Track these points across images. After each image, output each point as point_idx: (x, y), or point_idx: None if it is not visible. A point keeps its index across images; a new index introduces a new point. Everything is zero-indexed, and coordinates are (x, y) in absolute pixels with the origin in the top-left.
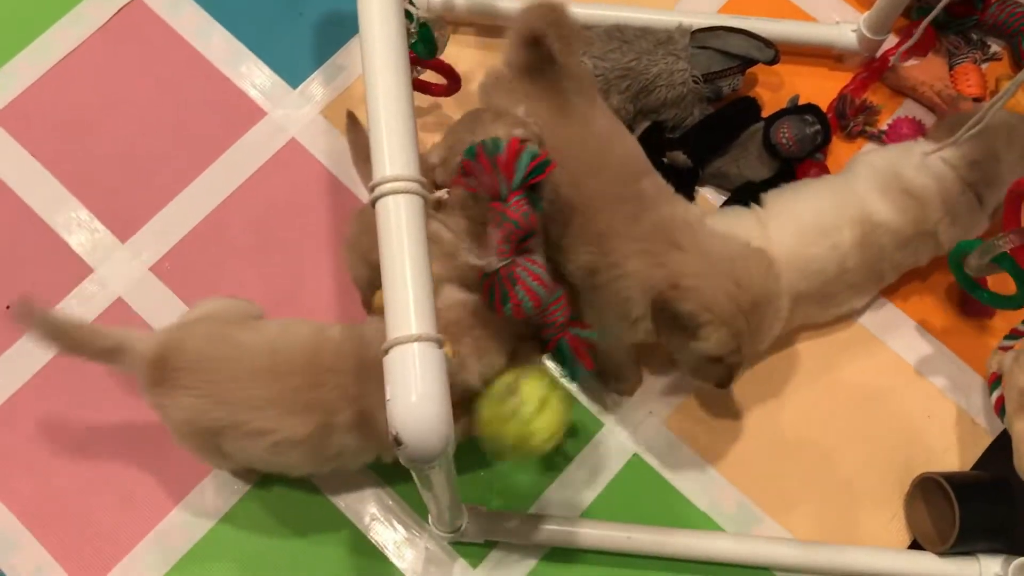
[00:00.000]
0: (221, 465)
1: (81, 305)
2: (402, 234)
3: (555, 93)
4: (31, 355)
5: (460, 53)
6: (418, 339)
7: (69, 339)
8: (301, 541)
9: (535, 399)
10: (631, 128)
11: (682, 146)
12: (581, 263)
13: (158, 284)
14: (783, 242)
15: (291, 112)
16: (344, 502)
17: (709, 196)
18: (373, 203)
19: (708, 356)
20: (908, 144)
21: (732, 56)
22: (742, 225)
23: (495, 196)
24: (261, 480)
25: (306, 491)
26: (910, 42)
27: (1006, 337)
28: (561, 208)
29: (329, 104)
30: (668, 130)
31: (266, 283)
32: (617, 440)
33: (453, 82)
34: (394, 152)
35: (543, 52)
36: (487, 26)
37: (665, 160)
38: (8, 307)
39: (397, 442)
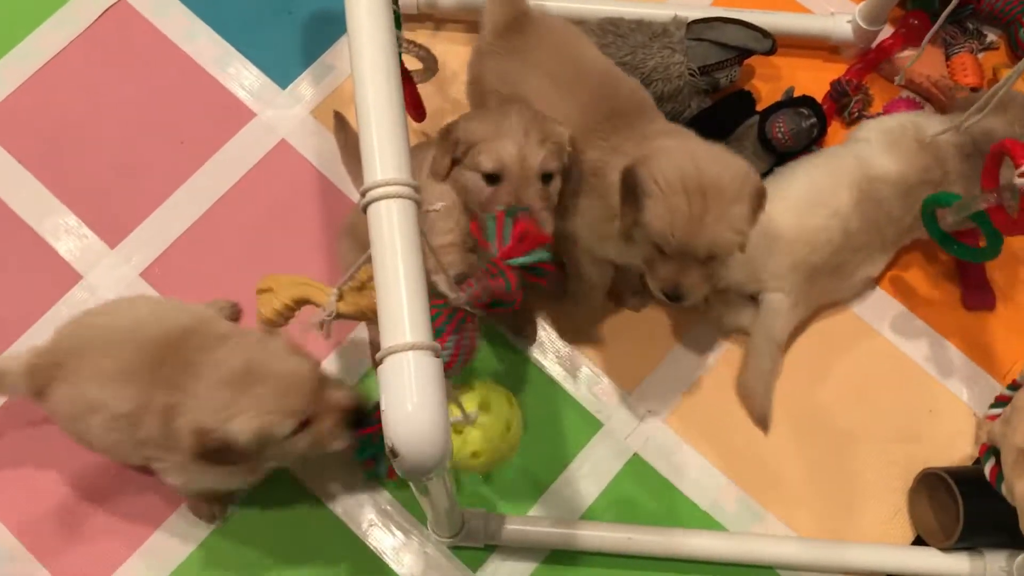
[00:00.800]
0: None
1: (71, 312)
2: (395, 240)
3: (542, 41)
4: None
5: (448, 50)
6: (413, 347)
7: None
8: (299, 549)
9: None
10: None
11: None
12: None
13: (149, 290)
14: (785, 221)
15: (281, 113)
16: (341, 508)
17: None
18: (364, 208)
19: (650, 237)
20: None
21: (729, 47)
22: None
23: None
24: (257, 490)
25: (303, 498)
26: (918, 53)
27: (992, 405)
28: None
29: (319, 104)
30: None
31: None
32: (616, 440)
33: (415, 110)
34: (385, 156)
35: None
36: (475, 23)
37: None
38: None
39: (393, 453)
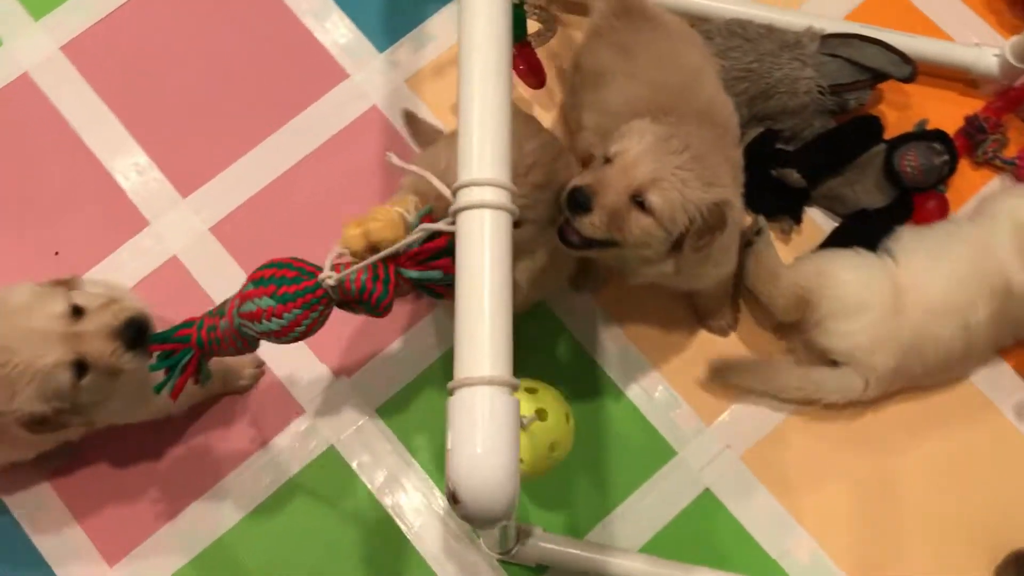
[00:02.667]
0: None
1: (133, 259)
2: (485, 257)
3: (648, 40)
4: None
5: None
6: (491, 383)
7: None
8: (343, 540)
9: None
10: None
11: (795, 161)
12: None
13: (217, 247)
14: (914, 317)
15: (374, 77)
16: (390, 500)
17: (817, 219)
18: (454, 214)
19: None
20: None
21: (863, 68)
22: (872, 280)
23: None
24: (308, 475)
25: (354, 487)
26: None
27: None
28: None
29: (415, 74)
30: (782, 140)
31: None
32: (689, 471)
33: (534, 77)
34: (485, 155)
35: None
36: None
37: (774, 174)
38: (56, 253)
39: (453, 499)
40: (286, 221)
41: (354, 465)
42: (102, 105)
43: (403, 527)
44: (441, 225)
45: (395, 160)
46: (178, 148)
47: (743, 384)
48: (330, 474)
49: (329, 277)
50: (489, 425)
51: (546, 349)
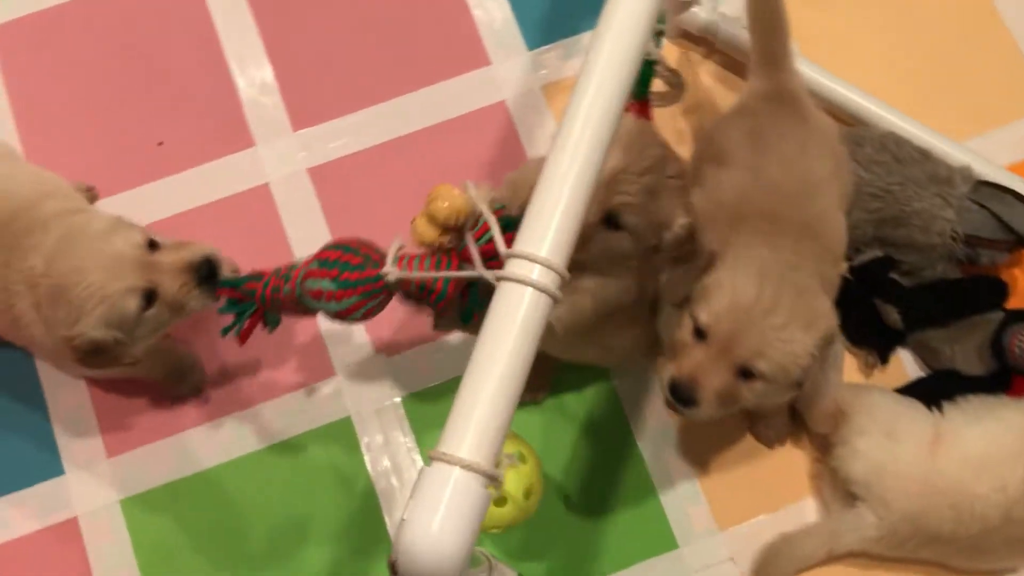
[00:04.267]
0: None
1: (227, 173)
2: (510, 337)
3: (792, 130)
4: None
5: (708, 84)
6: (468, 467)
7: None
8: (322, 504)
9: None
10: (858, 249)
11: (904, 298)
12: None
13: (309, 189)
14: (946, 465)
15: (514, 73)
16: (384, 488)
17: (905, 361)
18: (498, 278)
19: (695, 310)
20: None
21: (1009, 229)
22: (913, 418)
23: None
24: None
25: (354, 464)
26: None
27: None
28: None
29: (554, 82)
30: (898, 271)
31: (404, 239)
32: (683, 570)
33: None
34: (549, 231)
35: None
36: (734, 62)
37: (876, 303)
38: (160, 143)
39: (393, 570)
40: (380, 187)
41: (363, 443)
42: (248, 13)
43: (387, 520)
44: (488, 275)
45: (472, 189)
46: (305, 80)
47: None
48: (338, 443)
49: (390, 272)
50: (454, 509)
51: (584, 392)
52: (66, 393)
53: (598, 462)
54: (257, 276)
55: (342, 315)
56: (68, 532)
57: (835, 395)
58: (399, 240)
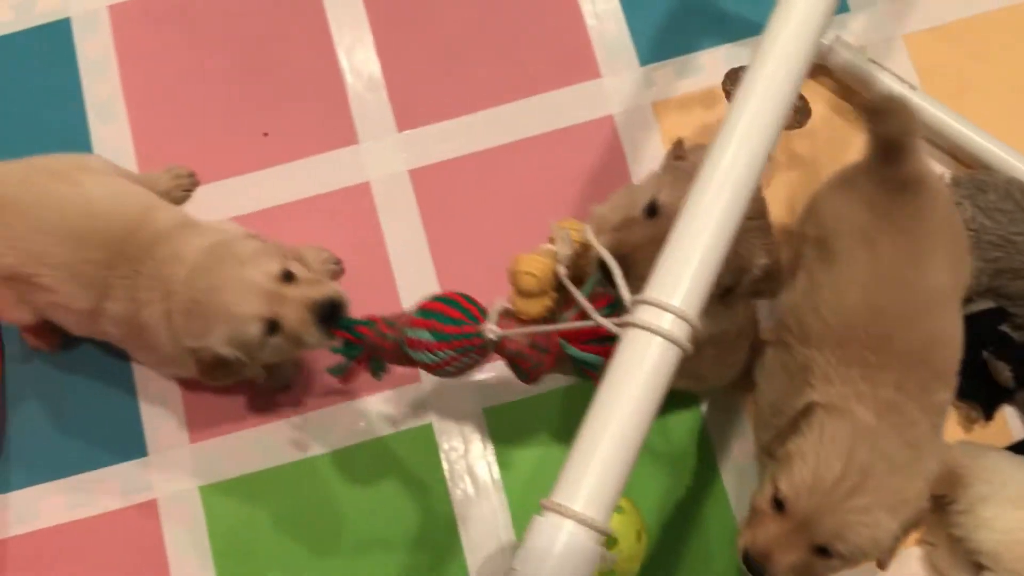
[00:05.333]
0: (9, 316)
1: (330, 168)
2: (634, 387)
3: (907, 221)
4: None
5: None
6: (582, 522)
7: None
8: (398, 508)
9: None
10: (970, 298)
11: (1016, 354)
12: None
13: (408, 191)
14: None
15: (624, 87)
16: (461, 497)
17: (1012, 420)
18: (624, 324)
19: (778, 480)
20: None
21: None
22: (1014, 479)
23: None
24: (394, 435)
25: (432, 472)
26: None
27: None
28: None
29: (665, 100)
30: (1012, 324)
31: (496, 248)
32: None
33: None
34: (684, 278)
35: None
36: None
37: (985, 356)
38: (265, 134)
39: None
40: (480, 194)
41: (442, 450)
42: (362, 8)
43: (461, 530)
44: (607, 323)
45: (589, 235)
46: (414, 80)
47: None
48: (417, 448)
49: (491, 331)
50: (563, 563)
51: (669, 418)
52: (155, 377)
53: (680, 492)
54: (370, 322)
55: (435, 368)
56: (147, 513)
57: (949, 451)
58: (502, 301)
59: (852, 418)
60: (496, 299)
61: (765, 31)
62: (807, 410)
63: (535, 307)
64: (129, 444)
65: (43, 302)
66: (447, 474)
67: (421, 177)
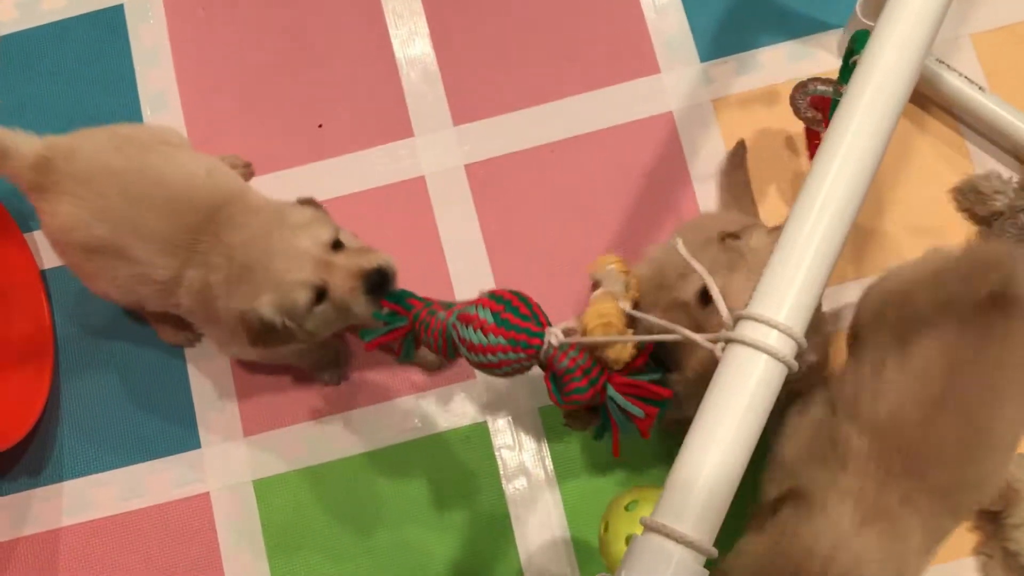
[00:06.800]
0: (97, 288)
1: (385, 162)
2: (738, 406)
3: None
4: None
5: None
6: (687, 544)
7: None
8: (452, 506)
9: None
10: None
11: None
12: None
13: (464, 185)
14: None
15: (683, 84)
16: (514, 493)
17: None
18: (727, 340)
19: None
20: None
21: None
22: None
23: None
24: (447, 432)
25: (486, 469)
26: None
27: None
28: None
29: (724, 97)
30: None
31: (552, 244)
32: None
33: None
34: (789, 294)
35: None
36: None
37: None
38: (320, 126)
39: None
40: (535, 190)
41: (496, 447)
42: (419, 3)
43: (515, 527)
44: (700, 338)
45: (681, 249)
46: (470, 74)
47: None
48: (472, 445)
49: (554, 335)
50: None
51: None
52: (209, 370)
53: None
54: (422, 299)
55: (477, 351)
56: (199, 505)
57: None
58: (576, 321)
59: (824, 519)
60: (573, 319)
61: (872, 39)
62: (784, 497)
63: (625, 352)
64: (183, 437)
65: (125, 274)
66: (501, 472)
67: (476, 172)
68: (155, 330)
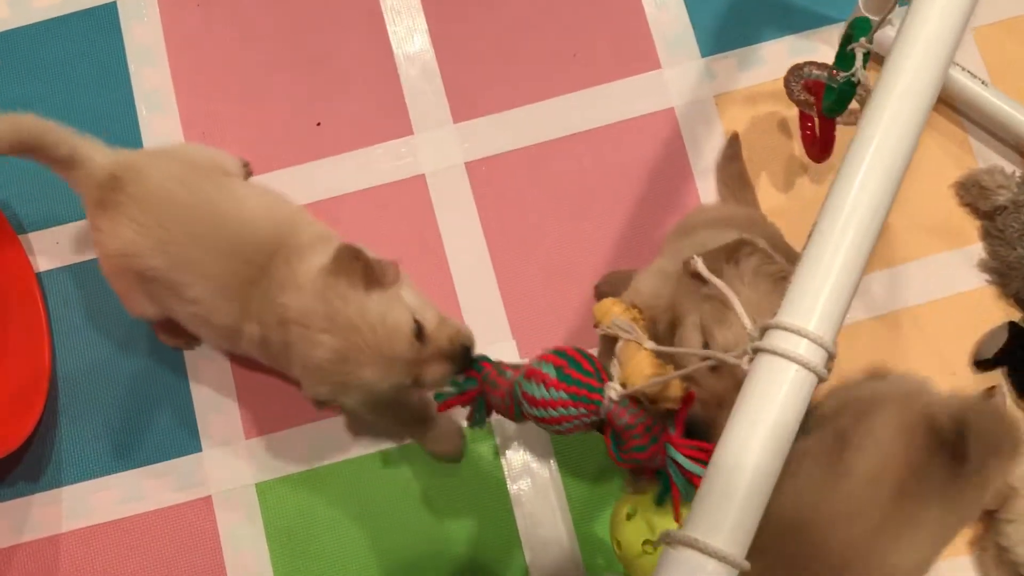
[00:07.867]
0: (139, 311)
1: (385, 160)
2: (768, 417)
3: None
4: None
5: None
6: (721, 559)
7: (31, 137)
8: (456, 506)
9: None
10: None
11: None
12: None
13: (464, 183)
14: None
15: (685, 79)
16: (518, 492)
17: None
18: (756, 350)
19: None
20: None
21: None
22: None
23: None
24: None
25: (492, 468)
26: None
27: None
28: None
29: (727, 93)
30: None
31: (556, 240)
32: None
33: (821, 150)
34: (818, 303)
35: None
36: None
37: None
38: (318, 124)
39: None
40: (536, 187)
41: (500, 446)
42: (417, 2)
43: (520, 526)
44: (728, 357)
45: (700, 267)
46: (470, 71)
47: None
48: (475, 445)
49: (613, 389)
50: None
51: None
52: (209, 372)
53: None
54: (495, 362)
55: (540, 406)
56: (202, 508)
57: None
58: (616, 372)
59: None
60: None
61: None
62: None
63: (678, 388)
64: (183, 440)
65: (185, 312)
66: (506, 471)
67: (477, 169)
68: (154, 332)
